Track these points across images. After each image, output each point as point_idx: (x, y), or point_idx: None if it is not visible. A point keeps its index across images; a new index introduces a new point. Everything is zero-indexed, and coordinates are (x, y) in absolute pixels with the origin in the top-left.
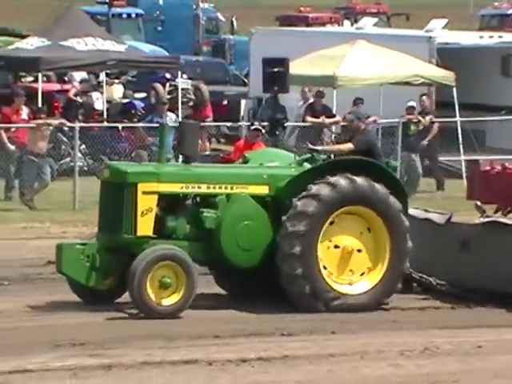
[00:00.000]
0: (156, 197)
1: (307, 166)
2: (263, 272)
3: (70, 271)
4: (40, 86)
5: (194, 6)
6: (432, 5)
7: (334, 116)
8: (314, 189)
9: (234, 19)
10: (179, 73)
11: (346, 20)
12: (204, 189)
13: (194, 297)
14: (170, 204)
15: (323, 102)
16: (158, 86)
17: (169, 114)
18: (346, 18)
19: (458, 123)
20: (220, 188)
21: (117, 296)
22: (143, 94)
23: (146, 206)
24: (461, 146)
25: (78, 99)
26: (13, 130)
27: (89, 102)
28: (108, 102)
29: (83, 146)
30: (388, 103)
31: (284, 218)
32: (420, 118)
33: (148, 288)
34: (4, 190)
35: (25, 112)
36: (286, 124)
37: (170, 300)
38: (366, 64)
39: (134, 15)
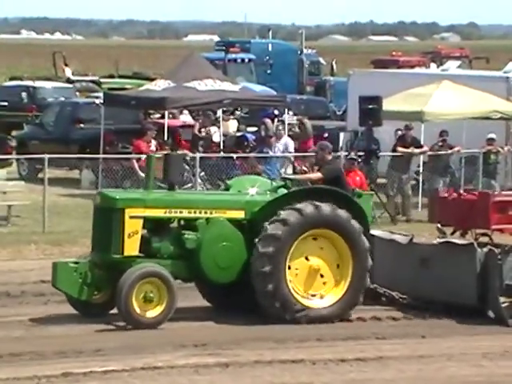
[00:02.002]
0: (142, 221)
1: (282, 191)
2: (243, 287)
3: (63, 286)
4: (166, 121)
5: (299, 52)
6: (509, 49)
7: (421, 147)
8: (283, 214)
9: (333, 63)
10: (286, 109)
11: (432, 63)
12: (186, 213)
13: (174, 309)
14: (155, 226)
15: (412, 134)
16: (268, 121)
17: (277, 145)
18: (433, 61)
19: None
20: (200, 212)
21: (109, 308)
22: (254, 128)
23: (133, 228)
24: None
25: (199, 134)
26: (143, 159)
27: (208, 136)
28: (224, 135)
29: (203, 173)
30: (470, 135)
31: (256, 240)
32: (499, 148)
33: (133, 302)
34: None
35: (153, 144)
36: (379, 154)
37: (153, 312)
38: (451, 101)
39: (246, 60)
